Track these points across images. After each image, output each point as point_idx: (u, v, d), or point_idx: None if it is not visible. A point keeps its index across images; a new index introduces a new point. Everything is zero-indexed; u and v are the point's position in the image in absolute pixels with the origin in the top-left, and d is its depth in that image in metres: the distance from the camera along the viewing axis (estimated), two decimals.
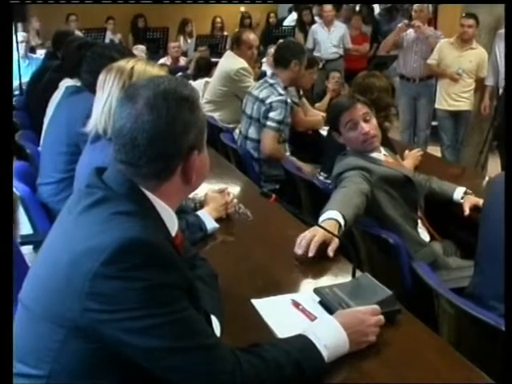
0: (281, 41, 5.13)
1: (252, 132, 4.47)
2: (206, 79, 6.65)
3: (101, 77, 2.37)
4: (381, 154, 3.04)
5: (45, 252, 1.52)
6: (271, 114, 4.29)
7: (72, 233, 1.44)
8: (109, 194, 1.47)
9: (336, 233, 2.35)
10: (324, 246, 2.31)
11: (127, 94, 1.49)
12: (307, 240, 2.31)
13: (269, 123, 4.30)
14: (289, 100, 4.36)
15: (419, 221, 3.06)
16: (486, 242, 2.44)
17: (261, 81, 4.71)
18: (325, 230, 2.29)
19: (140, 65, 2.33)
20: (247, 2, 13.03)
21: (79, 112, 2.97)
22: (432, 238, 3.09)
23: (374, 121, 3.00)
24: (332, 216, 2.45)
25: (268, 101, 4.32)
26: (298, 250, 2.33)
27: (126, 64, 2.33)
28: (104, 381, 1.41)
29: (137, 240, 1.37)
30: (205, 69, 7.18)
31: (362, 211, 2.66)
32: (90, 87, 2.72)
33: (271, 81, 4.46)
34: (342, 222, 2.44)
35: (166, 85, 1.48)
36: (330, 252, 2.30)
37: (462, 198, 3.15)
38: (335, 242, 2.33)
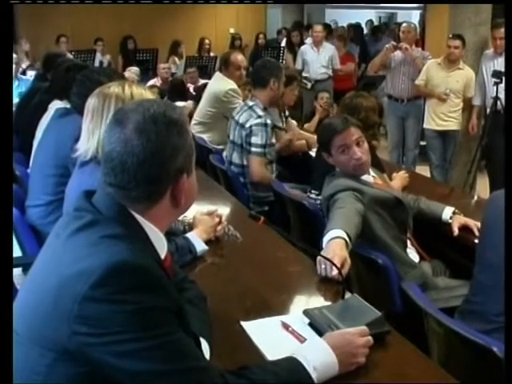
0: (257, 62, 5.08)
1: (235, 157, 4.44)
2: (178, 104, 6.60)
3: (96, 101, 2.35)
4: (369, 176, 3.05)
5: (33, 276, 1.52)
6: (253, 140, 4.24)
7: (60, 256, 1.43)
8: (97, 218, 1.47)
9: (345, 251, 2.38)
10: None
11: (116, 119, 1.49)
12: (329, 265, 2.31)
13: (253, 149, 4.25)
14: (268, 121, 4.30)
15: (408, 241, 3.06)
16: (487, 259, 2.43)
17: (242, 104, 4.70)
18: (326, 259, 2.29)
19: (136, 89, 2.35)
20: (247, 2, 13.10)
21: (68, 134, 2.98)
22: (421, 258, 3.10)
23: (365, 145, 2.99)
24: (338, 235, 2.46)
25: (247, 125, 4.28)
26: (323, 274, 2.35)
27: (123, 89, 2.33)
28: None
29: (125, 263, 1.37)
30: (179, 91, 7.08)
31: (360, 231, 2.66)
32: (79, 110, 2.73)
33: (250, 103, 4.43)
34: (348, 240, 2.47)
35: (155, 109, 1.48)
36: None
37: (451, 217, 3.15)
38: (348, 264, 2.34)
